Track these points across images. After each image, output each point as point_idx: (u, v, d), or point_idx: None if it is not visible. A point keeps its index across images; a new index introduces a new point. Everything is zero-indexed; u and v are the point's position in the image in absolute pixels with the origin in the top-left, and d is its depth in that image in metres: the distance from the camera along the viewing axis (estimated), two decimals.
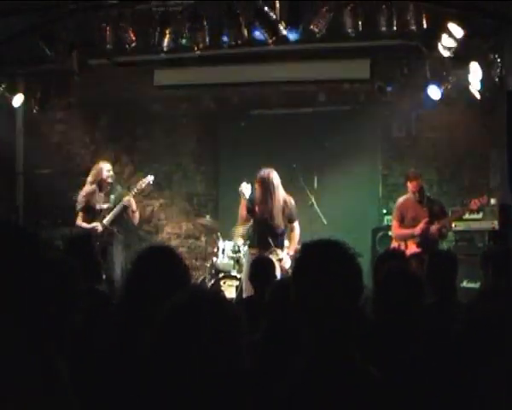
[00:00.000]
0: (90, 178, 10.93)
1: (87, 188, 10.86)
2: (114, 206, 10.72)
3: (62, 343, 3.51)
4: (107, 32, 10.49)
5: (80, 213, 10.84)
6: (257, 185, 10.09)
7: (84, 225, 10.66)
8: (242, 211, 10.24)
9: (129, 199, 10.73)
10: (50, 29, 10.55)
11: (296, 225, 10.26)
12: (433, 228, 10.09)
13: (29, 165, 13.76)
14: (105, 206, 10.77)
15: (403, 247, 10.12)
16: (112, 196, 10.82)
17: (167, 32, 10.21)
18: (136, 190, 10.89)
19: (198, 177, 13.84)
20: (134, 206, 10.81)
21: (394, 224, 10.42)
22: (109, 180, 10.86)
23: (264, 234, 10.03)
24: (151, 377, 2.30)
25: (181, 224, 13.90)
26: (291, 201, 10.25)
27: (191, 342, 2.26)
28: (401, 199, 10.55)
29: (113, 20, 10.44)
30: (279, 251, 9.97)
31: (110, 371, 3.41)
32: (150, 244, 4.12)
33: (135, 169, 13.93)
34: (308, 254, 3.08)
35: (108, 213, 10.69)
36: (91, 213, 10.75)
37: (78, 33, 10.94)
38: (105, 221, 10.65)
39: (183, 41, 10.41)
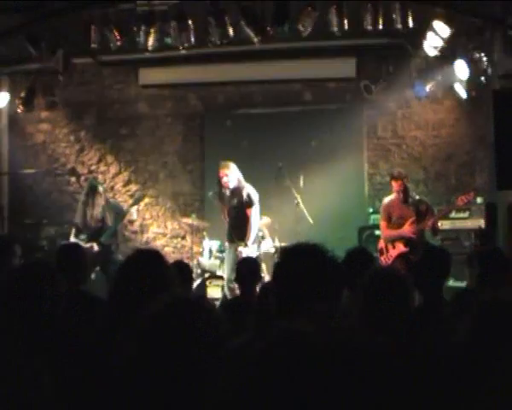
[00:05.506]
0: (84, 198, 10.59)
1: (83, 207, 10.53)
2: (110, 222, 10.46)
3: (41, 342, 3.49)
4: (92, 32, 10.44)
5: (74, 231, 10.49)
6: None
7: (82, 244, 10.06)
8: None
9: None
10: (35, 28, 10.49)
11: (252, 211, 10.30)
12: (429, 223, 10.01)
13: (14, 165, 13.68)
14: (100, 224, 10.41)
15: (390, 247, 10.12)
16: (107, 213, 10.49)
17: (152, 31, 10.17)
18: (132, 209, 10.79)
19: (184, 176, 13.78)
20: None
21: (382, 224, 10.33)
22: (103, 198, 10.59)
23: (229, 227, 10.51)
24: (131, 385, 2.26)
25: (166, 223, 13.84)
26: (247, 189, 10.39)
27: (168, 349, 2.22)
28: (386, 199, 10.50)
29: (97, 20, 10.40)
30: (241, 245, 10.20)
31: (91, 374, 3.36)
32: (137, 249, 4.09)
33: (120, 168, 13.87)
34: (286, 259, 3.07)
35: (104, 231, 10.36)
36: (87, 232, 10.40)
37: (63, 33, 10.91)
38: (102, 239, 10.29)
39: (169, 40, 10.38)
